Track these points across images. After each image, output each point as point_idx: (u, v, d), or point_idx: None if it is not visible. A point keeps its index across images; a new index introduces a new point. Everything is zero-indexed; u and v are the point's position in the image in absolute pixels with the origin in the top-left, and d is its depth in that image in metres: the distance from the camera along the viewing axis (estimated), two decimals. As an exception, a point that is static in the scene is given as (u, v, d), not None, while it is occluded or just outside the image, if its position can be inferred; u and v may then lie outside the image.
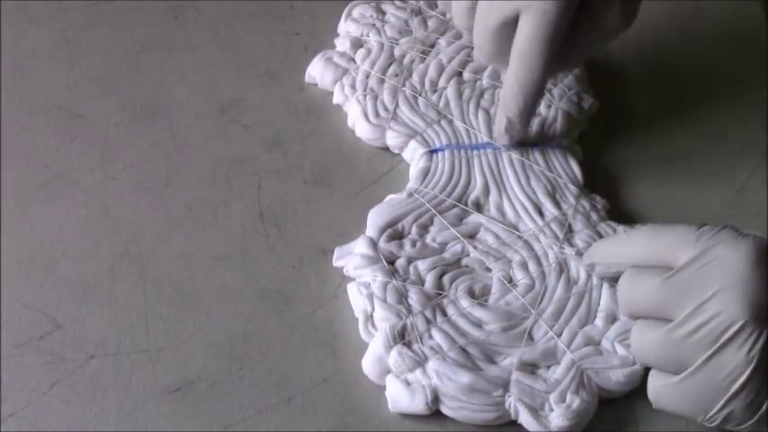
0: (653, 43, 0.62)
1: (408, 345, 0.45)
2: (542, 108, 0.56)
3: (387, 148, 0.55)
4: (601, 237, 0.50)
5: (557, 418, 0.43)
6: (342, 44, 0.60)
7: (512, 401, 0.44)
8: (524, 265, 0.49)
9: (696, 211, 0.53)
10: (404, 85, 0.57)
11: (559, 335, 0.46)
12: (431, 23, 0.60)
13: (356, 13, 0.61)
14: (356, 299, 0.47)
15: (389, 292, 0.47)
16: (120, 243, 0.50)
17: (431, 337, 0.46)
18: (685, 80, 0.60)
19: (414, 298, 0.47)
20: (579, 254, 0.49)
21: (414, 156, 0.54)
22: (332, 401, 0.45)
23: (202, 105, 0.57)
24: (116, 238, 0.50)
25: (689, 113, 0.59)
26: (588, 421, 0.44)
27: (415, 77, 0.57)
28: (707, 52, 0.62)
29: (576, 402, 0.44)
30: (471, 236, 0.50)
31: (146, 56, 0.60)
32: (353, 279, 0.48)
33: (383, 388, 0.45)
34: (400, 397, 0.44)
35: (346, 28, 0.61)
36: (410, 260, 0.49)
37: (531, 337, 0.46)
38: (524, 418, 0.44)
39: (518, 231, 0.50)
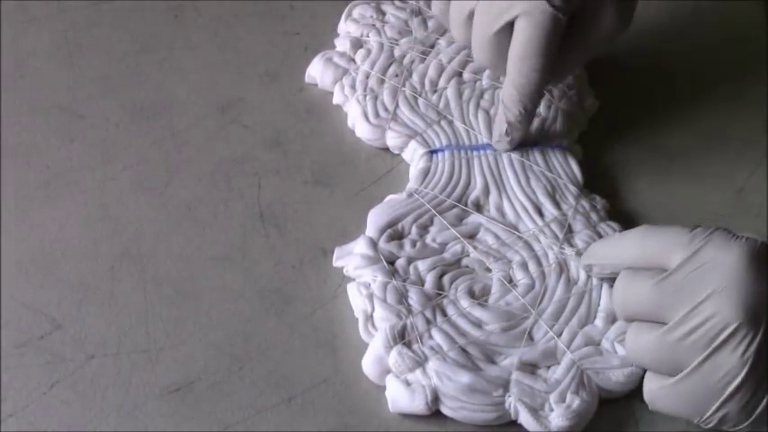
0: (653, 43, 0.62)
1: (408, 345, 0.45)
2: (542, 108, 0.56)
3: (387, 149, 0.55)
4: (601, 237, 0.50)
5: (557, 418, 0.43)
6: (342, 44, 0.60)
7: (512, 401, 0.44)
8: (524, 266, 0.49)
9: (696, 211, 0.53)
10: (404, 86, 0.57)
11: (559, 335, 0.46)
12: (431, 24, 0.60)
13: (356, 13, 0.61)
14: (356, 299, 0.47)
15: (389, 293, 0.47)
16: (120, 243, 0.50)
17: (431, 337, 0.46)
18: (685, 80, 0.61)
19: (414, 298, 0.47)
20: (579, 254, 0.49)
21: (414, 156, 0.54)
22: (332, 401, 0.45)
23: (202, 105, 0.57)
24: (116, 238, 0.50)
25: (689, 113, 0.59)
26: (588, 421, 0.44)
27: (415, 78, 0.57)
28: (707, 52, 0.62)
29: (576, 402, 0.44)
30: (471, 236, 0.50)
31: (146, 56, 0.60)
32: (353, 279, 0.48)
33: (383, 388, 0.45)
34: (400, 397, 0.44)
35: (346, 28, 0.61)
36: (410, 260, 0.49)
37: (531, 338, 0.46)
38: (524, 418, 0.44)
39: (518, 232, 0.50)
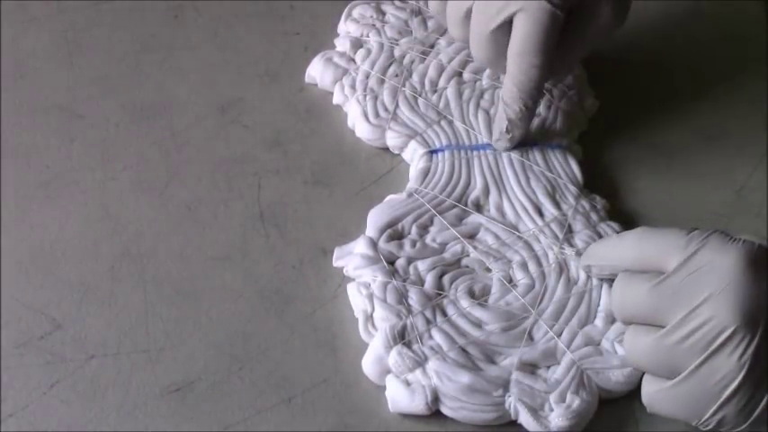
0: (653, 43, 0.62)
1: (408, 345, 0.45)
2: (542, 108, 0.56)
3: (387, 149, 0.55)
4: (601, 237, 0.50)
5: (557, 418, 0.43)
6: (342, 44, 0.60)
7: (512, 401, 0.44)
8: (524, 266, 0.49)
9: (696, 210, 0.53)
10: (404, 86, 0.57)
11: (559, 335, 0.46)
12: (431, 23, 0.60)
13: (356, 13, 0.61)
14: (356, 299, 0.47)
15: (389, 293, 0.47)
16: (120, 243, 0.50)
17: (431, 337, 0.46)
18: (685, 79, 0.61)
19: (414, 298, 0.47)
20: (579, 254, 0.49)
21: (414, 156, 0.54)
22: (332, 401, 0.45)
23: (202, 105, 0.57)
24: (116, 238, 0.50)
25: (689, 113, 0.59)
26: (588, 421, 0.44)
27: (415, 78, 0.57)
28: (707, 52, 0.62)
29: (576, 402, 0.44)
30: (471, 236, 0.50)
31: (146, 56, 0.60)
32: (353, 279, 0.48)
33: (383, 388, 0.45)
34: (400, 397, 0.44)
35: (346, 28, 0.61)
36: (410, 260, 0.49)
37: (531, 338, 0.46)
38: (524, 418, 0.44)
39: (518, 232, 0.50)
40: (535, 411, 0.43)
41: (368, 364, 0.45)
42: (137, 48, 0.60)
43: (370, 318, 0.47)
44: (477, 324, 0.46)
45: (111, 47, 0.60)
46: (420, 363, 0.45)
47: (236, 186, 0.53)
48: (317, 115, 0.57)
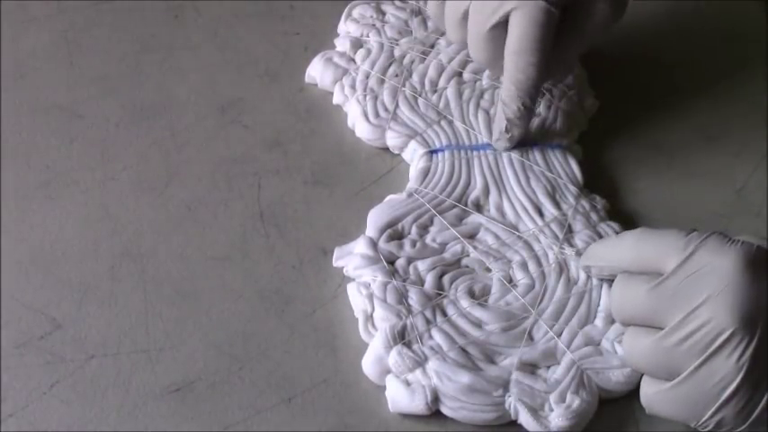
0: (653, 43, 0.62)
1: (408, 345, 0.45)
2: (542, 108, 0.56)
3: (387, 149, 0.55)
4: (601, 237, 0.50)
5: (557, 418, 0.43)
6: (342, 44, 0.60)
7: (512, 401, 0.44)
8: (524, 266, 0.49)
9: (696, 210, 0.53)
10: (404, 86, 0.57)
11: (559, 335, 0.46)
12: (431, 24, 0.60)
13: (356, 13, 0.61)
14: (356, 299, 0.47)
15: (389, 293, 0.47)
16: (120, 243, 0.50)
17: (431, 337, 0.46)
18: (685, 79, 0.61)
19: (414, 298, 0.47)
20: (579, 254, 0.49)
21: (414, 156, 0.54)
22: (332, 401, 0.45)
23: (202, 105, 0.57)
24: (116, 238, 0.50)
25: (689, 113, 0.59)
26: (588, 421, 0.44)
27: (415, 78, 0.57)
28: (707, 52, 0.62)
29: (576, 402, 0.44)
30: (471, 236, 0.50)
31: (146, 56, 0.60)
32: (353, 279, 0.48)
33: (383, 388, 0.45)
34: (400, 397, 0.44)
35: (346, 28, 0.61)
36: (410, 260, 0.49)
37: (531, 338, 0.46)
38: (524, 418, 0.44)
39: (518, 231, 0.50)
40: (535, 411, 0.43)
41: (368, 364, 0.45)
42: (137, 48, 0.60)
43: (370, 318, 0.47)
44: (477, 324, 0.46)
45: (111, 47, 0.60)
46: (420, 363, 0.45)
47: (236, 186, 0.53)
48: (317, 115, 0.57)
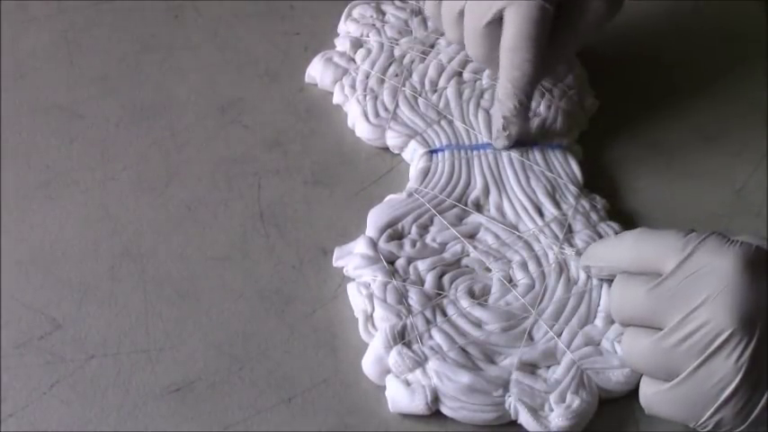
0: (653, 43, 0.62)
1: (408, 345, 0.45)
2: (542, 108, 0.56)
3: (387, 148, 0.55)
4: (601, 237, 0.50)
5: (557, 418, 0.43)
6: (342, 44, 0.60)
7: (512, 401, 0.44)
8: (524, 266, 0.49)
9: (696, 210, 0.53)
10: (404, 85, 0.57)
11: (559, 335, 0.46)
12: (431, 23, 0.60)
13: (356, 13, 0.61)
14: (356, 299, 0.47)
15: (389, 293, 0.47)
16: (120, 243, 0.50)
17: (431, 337, 0.46)
18: (685, 79, 0.61)
19: (414, 298, 0.47)
20: (579, 254, 0.49)
21: (414, 156, 0.54)
22: (332, 401, 0.45)
23: (202, 105, 0.57)
24: (116, 238, 0.50)
25: (689, 113, 0.59)
26: (588, 421, 0.44)
27: (415, 77, 0.57)
28: (707, 51, 0.62)
29: (576, 402, 0.44)
30: (471, 236, 0.50)
31: (146, 56, 0.60)
32: (353, 279, 0.48)
33: (383, 388, 0.45)
34: (400, 397, 0.44)
35: (346, 28, 0.61)
36: (410, 260, 0.49)
37: (531, 337, 0.46)
38: (524, 418, 0.44)
39: (518, 231, 0.50)
40: (535, 411, 0.43)
41: (368, 364, 0.45)
42: (137, 48, 0.60)
43: (370, 318, 0.47)
44: (477, 324, 0.46)
45: (111, 47, 0.60)
46: (420, 363, 0.45)
47: (236, 186, 0.53)
48: (317, 115, 0.57)
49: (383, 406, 0.45)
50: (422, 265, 0.48)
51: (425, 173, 0.53)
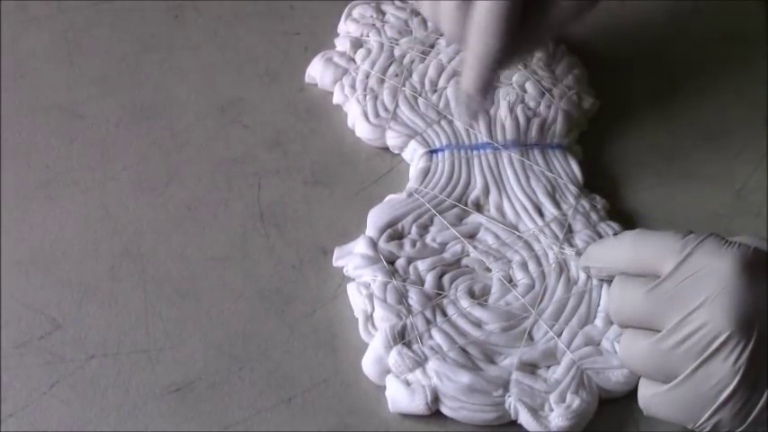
0: (653, 43, 0.62)
1: (408, 345, 0.45)
2: (542, 108, 0.56)
3: (387, 148, 0.55)
4: (601, 237, 0.50)
5: (557, 418, 0.43)
6: (342, 44, 0.60)
7: (512, 401, 0.44)
8: (524, 266, 0.49)
9: (696, 210, 0.53)
10: (404, 85, 0.57)
11: (559, 335, 0.46)
12: (431, 23, 0.60)
13: (356, 13, 0.61)
14: (356, 299, 0.47)
15: (389, 292, 0.47)
16: (120, 243, 0.50)
17: (431, 337, 0.46)
18: (685, 80, 0.60)
19: (414, 298, 0.47)
20: (579, 254, 0.49)
21: (414, 156, 0.54)
22: (332, 401, 0.45)
23: (202, 105, 0.57)
24: (116, 238, 0.50)
25: (689, 113, 0.59)
26: (588, 421, 0.44)
27: (415, 77, 0.57)
28: (707, 52, 0.62)
29: (576, 402, 0.44)
30: (471, 236, 0.50)
31: (146, 56, 0.60)
32: (353, 279, 0.48)
33: (383, 388, 0.45)
34: (400, 397, 0.44)
35: (346, 28, 0.61)
36: (410, 260, 0.49)
37: (531, 337, 0.46)
38: (524, 418, 0.44)
39: (518, 231, 0.50)
40: (535, 411, 0.44)
41: (368, 364, 0.45)
42: (137, 48, 0.60)
43: (370, 318, 0.47)
44: (477, 324, 0.46)
45: (111, 47, 0.60)
46: (420, 363, 0.45)
47: (236, 186, 0.53)
48: (317, 115, 0.57)
49: (383, 406, 0.45)
50: (422, 265, 0.48)
51: (425, 173, 0.53)
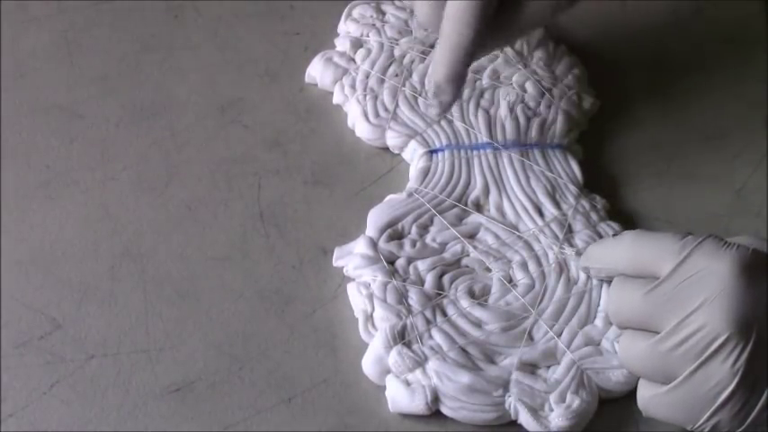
0: (653, 43, 0.62)
1: (408, 345, 0.45)
2: (542, 108, 0.56)
3: (387, 148, 0.55)
4: (601, 237, 0.50)
5: (557, 418, 0.43)
6: (342, 44, 0.60)
7: (512, 401, 0.44)
8: (524, 266, 0.49)
9: (696, 210, 0.53)
10: (404, 85, 0.57)
11: (559, 335, 0.46)
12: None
13: (356, 13, 0.61)
14: (356, 299, 0.47)
15: (389, 292, 0.47)
16: (120, 243, 0.50)
17: (431, 337, 0.46)
18: (685, 80, 0.60)
19: (414, 298, 0.47)
20: (579, 254, 0.49)
21: (414, 156, 0.54)
22: (332, 401, 0.45)
23: (202, 105, 0.57)
24: (116, 238, 0.50)
25: (689, 113, 0.59)
26: (588, 421, 0.44)
27: (415, 77, 0.57)
28: (707, 52, 0.62)
29: (576, 402, 0.44)
30: (471, 236, 0.50)
31: (146, 56, 0.60)
32: (353, 279, 0.48)
33: (383, 388, 0.45)
34: (400, 397, 0.44)
35: (346, 28, 0.61)
36: (410, 260, 0.49)
37: (531, 337, 0.46)
38: (524, 418, 0.44)
39: (518, 231, 0.50)
40: (535, 411, 0.44)
41: (368, 364, 0.45)
42: (137, 48, 0.60)
43: (370, 318, 0.47)
44: (477, 324, 0.46)
45: (111, 47, 0.60)
46: (420, 363, 0.45)
47: (236, 186, 0.53)
48: (317, 115, 0.57)
49: (383, 406, 0.45)
50: (422, 265, 0.48)
51: (425, 173, 0.53)
